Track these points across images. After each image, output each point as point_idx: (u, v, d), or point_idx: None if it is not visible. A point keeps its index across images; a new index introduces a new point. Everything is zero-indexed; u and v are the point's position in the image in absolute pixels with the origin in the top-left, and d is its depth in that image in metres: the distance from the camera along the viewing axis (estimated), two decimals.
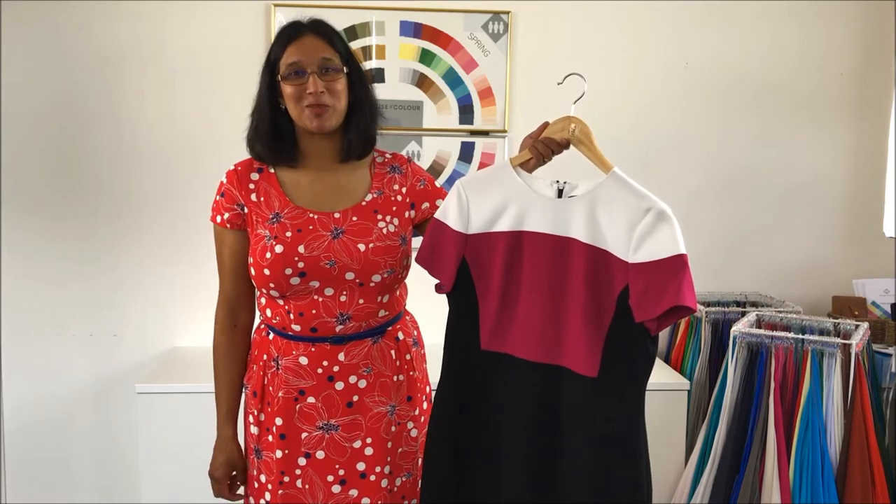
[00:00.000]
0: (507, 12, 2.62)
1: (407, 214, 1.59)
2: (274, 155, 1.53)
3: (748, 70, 2.73)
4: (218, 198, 1.56)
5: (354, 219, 1.52)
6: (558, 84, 1.52)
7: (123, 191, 2.58)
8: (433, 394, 1.58)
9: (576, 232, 1.36)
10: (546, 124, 1.45)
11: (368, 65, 2.61)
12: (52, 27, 2.49)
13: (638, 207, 1.30)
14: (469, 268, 1.45)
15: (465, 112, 2.66)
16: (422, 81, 2.64)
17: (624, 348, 1.33)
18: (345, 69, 1.50)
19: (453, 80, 2.65)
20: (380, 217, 1.54)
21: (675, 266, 1.27)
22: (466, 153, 2.67)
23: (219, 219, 1.55)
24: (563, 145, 1.43)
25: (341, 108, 1.51)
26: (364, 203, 1.55)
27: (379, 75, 2.62)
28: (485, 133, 2.68)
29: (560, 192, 1.40)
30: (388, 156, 1.64)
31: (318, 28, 1.50)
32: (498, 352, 1.43)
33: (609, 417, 1.35)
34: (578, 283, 1.35)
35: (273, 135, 1.52)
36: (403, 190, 1.59)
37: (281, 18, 2.52)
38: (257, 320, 1.64)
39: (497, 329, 1.43)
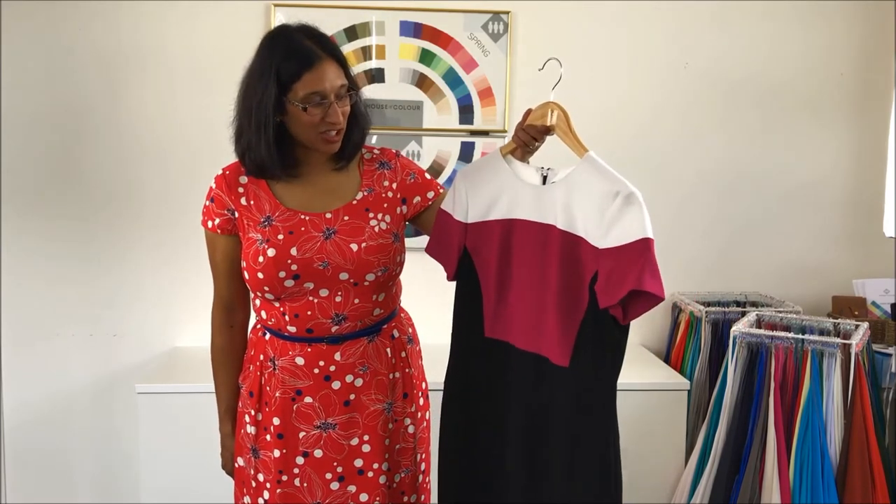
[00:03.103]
0: (507, 12, 2.62)
1: (399, 210, 1.58)
2: (284, 173, 1.50)
3: (748, 70, 2.73)
4: (208, 203, 1.55)
5: (346, 218, 1.51)
6: (539, 70, 1.52)
7: (123, 191, 2.58)
8: (430, 390, 1.58)
9: (554, 218, 1.36)
10: (529, 111, 1.46)
11: (368, 65, 2.61)
12: (52, 27, 2.50)
13: (608, 192, 1.28)
14: (471, 256, 1.47)
15: (465, 112, 2.66)
16: (422, 81, 2.64)
17: (593, 338, 1.31)
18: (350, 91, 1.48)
19: (453, 80, 2.65)
20: (371, 215, 1.53)
21: (639, 250, 1.23)
22: (466, 153, 2.67)
23: (210, 224, 1.55)
24: (543, 132, 1.44)
25: (345, 127, 1.51)
26: (355, 202, 1.54)
27: (379, 75, 2.62)
28: (485, 133, 2.68)
29: (545, 179, 1.40)
30: (376, 152, 1.63)
31: (332, 51, 1.45)
32: (499, 339, 1.45)
33: (580, 409, 1.34)
34: (554, 270, 1.35)
35: (278, 150, 1.47)
36: (394, 186, 1.59)
37: (281, 18, 2.52)
38: (253, 319, 1.64)
39: (497, 316, 1.45)
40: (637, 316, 1.28)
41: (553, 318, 1.35)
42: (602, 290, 1.28)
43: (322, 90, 1.42)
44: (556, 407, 1.36)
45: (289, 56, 1.41)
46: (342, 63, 1.47)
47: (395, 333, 1.60)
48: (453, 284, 1.55)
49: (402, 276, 1.63)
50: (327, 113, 1.43)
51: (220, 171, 1.56)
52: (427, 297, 1.65)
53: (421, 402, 1.65)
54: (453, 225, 1.49)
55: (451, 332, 1.54)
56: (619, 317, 1.28)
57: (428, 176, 1.64)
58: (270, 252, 1.47)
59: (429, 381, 1.70)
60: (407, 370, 1.61)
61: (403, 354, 1.61)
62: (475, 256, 1.47)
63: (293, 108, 1.43)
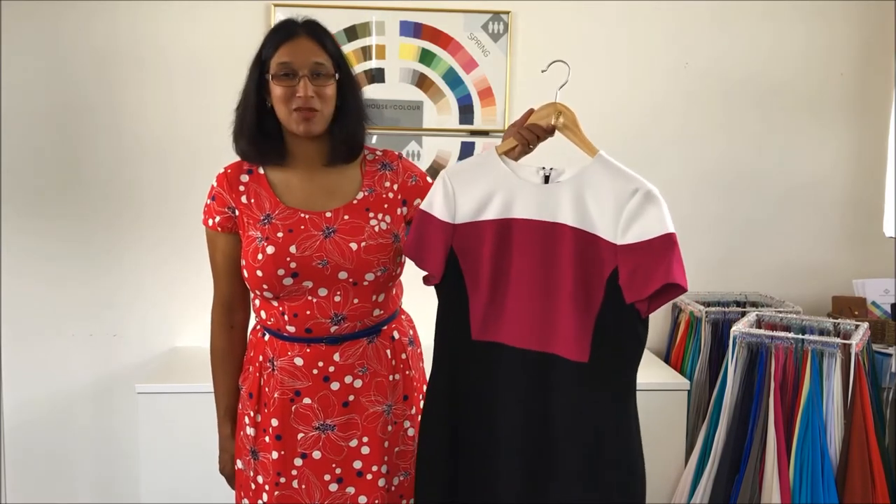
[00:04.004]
0: (507, 12, 2.62)
1: (399, 211, 1.58)
2: (260, 153, 1.53)
3: (748, 70, 2.73)
4: (209, 201, 1.56)
5: (346, 217, 1.51)
6: (542, 71, 1.53)
7: (123, 191, 2.58)
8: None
9: (563, 217, 1.36)
10: (531, 111, 1.46)
11: (368, 65, 2.61)
12: (52, 27, 2.50)
13: (625, 189, 1.30)
14: (457, 258, 1.45)
15: (465, 112, 2.66)
16: (422, 81, 2.64)
17: (614, 332, 1.32)
18: (335, 74, 1.49)
19: (453, 80, 2.65)
20: (372, 215, 1.53)
21: (665, 245, 1.26)
22: (466, 153, 2.67)
23: (210, 222, 1.55)
24: (548, 131, 1.44)
25: (328, 114, 1.50)
26: (355, 201, 1.54)
27: (379, 75, 2.62)
28: (485, 133, 2.68)
29: (547, 179, 1.40)
30: (378, 153, 1.63)
31: (312, 30, 1.48)
32: (490, 341, 1.43)
33: (600, 406, 1.34)
34: (567, 268, 1.35)
35: (258, 133, 1.50)
36: (395, 187, 1.59)
37: (280, 18, 2.52)
38: (253, 320, 1.64)
39: (487, 318, 1.43)
40: (658, 307, 1.31)
41: (567, 315, 1.34)
42: (627, 285, 1.29)
43: (290, 62, 1.45)
44: (571, 404, 1.36)
45: (272, 35, 1.49)
46: (323, 44, 1.48)
47: (396, 335, 1.60)
48: None
49: (403, 278, 1.63)
50: (297, 88, 1.45)
51: (221, 170, 1.57)
52: (428, 298, 1.64)
53: (421, 404, 1.64)
54: (438, 226, 1.46)
55: (434, 336, 1.51)
56: (643, 310, 1.30)
57: (429, 179, 1.64)
58: (270, 249, 1.47)
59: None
60: (407, 372, 1.60)
61: (404, 356, 1.60)
62: (462, 258, 1.45)
63: (271, 85, 1.47)
